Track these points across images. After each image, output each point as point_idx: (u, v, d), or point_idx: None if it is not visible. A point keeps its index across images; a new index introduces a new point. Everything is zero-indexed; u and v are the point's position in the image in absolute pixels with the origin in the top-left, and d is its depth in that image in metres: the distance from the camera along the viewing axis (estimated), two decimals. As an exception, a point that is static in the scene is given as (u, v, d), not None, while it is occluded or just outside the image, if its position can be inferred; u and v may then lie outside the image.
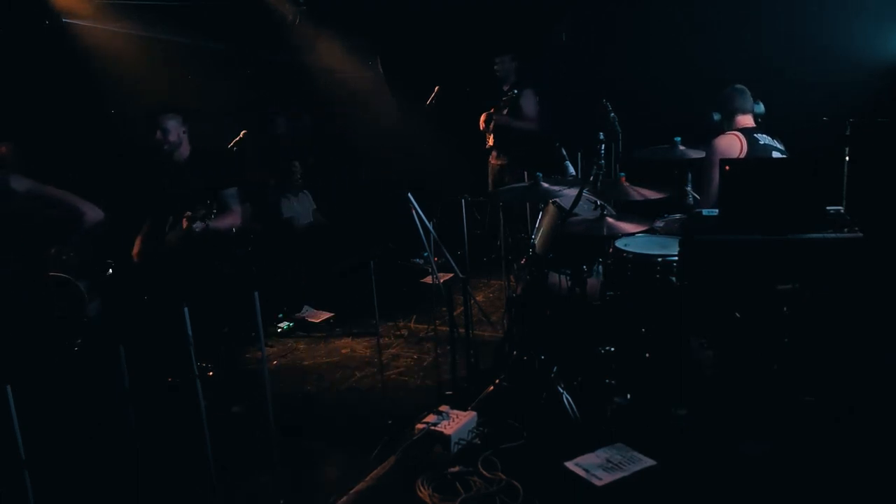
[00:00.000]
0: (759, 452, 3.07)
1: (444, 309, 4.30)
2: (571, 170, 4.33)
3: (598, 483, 3.06)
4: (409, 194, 3.67)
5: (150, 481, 3.33)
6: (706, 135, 3.93)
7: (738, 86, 3.95)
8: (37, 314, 3.47)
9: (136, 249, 4.30)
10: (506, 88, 6.14)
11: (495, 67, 6.12)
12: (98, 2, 5.28)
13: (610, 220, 3.56)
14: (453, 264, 3.86)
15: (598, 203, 3.74)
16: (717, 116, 3.96)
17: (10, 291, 3.46)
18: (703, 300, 3.19)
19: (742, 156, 3.68)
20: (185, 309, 2.96)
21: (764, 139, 3.80)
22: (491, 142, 6.24)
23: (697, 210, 3.52)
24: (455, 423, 3.42)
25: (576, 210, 3.54)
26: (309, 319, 5.43)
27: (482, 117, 6.32)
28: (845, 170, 3.67)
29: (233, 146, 5.16)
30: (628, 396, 3.59)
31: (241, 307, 3.33)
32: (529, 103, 6.02)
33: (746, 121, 3.91)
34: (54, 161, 4.76)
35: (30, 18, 4.96)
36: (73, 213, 3.58)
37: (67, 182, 3.88)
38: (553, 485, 3.12)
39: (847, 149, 3.68)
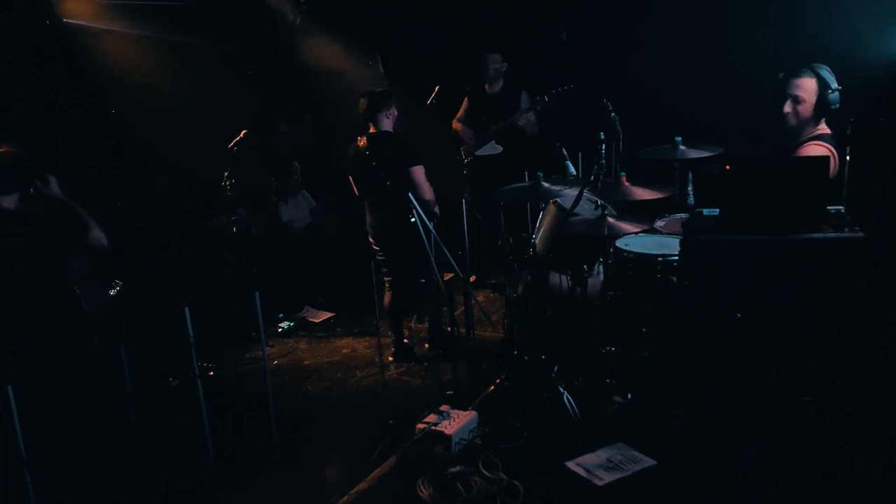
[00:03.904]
0: (760, 452, 3.07)
1: (445, 309, 4.30)
2: (572, 170, 4.33)
3: (598, 483, 3.07)
4: (410, 194, 3.67)
5: (151, 481, 3.33)
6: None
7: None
8: (37, 314, 3.47)
9: None
10: (491, 90, 5.84)
11: (491, 66, 5.74)
12: (98, 2, 5.29)
13: (611, 219, 3.56)
14: (454, 264, 3.86)
15: (599, 203, 3.74)
16: (782, 75, 3.64)
17: (9, 291, 3.46)
18: (703, 300, 3.18)
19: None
20: (186, 309, 2.97)
21: None
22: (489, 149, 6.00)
23: (698, 210, 3.52)
24: (456, 422, 3.43)
25: (577, 210, 3.54)
26: (309, 319, 5.43)
27: (457, 126, 6.01)
28: (845, 170, 3.65)
29: (233, 146, 5.17)
30: (629, 396, 3.60)
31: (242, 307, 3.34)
32: (527, 103, 5.95)
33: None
34: (54, 161, 4.77)
35: (30, 18, 4.96)
36: (81, 228, 3.61)
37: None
38: (554, 484, 3.13)
39: (847, 149, 3.66)
